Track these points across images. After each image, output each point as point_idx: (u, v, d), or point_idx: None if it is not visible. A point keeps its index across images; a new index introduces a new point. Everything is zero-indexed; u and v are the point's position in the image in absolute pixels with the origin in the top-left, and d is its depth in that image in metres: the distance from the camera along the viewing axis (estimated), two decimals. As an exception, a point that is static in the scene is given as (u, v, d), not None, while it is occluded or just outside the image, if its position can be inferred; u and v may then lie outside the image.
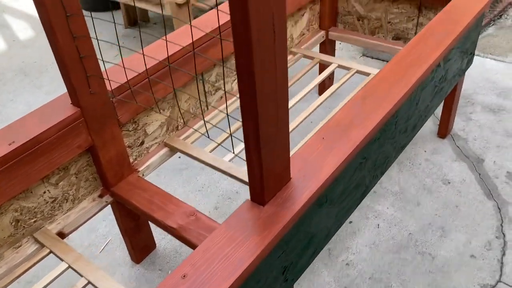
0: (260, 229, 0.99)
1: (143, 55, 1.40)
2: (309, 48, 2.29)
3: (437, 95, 1.80)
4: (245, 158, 0.97)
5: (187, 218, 1.44)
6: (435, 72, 1.66)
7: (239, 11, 0.76)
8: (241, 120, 0.90)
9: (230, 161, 1.63)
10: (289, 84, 1.98)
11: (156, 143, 1.71)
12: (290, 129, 1.74)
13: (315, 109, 1.85)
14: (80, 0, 1.25)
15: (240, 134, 1.66)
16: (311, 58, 2.14)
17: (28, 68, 3.13)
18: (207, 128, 1.79)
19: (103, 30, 3.42)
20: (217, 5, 0.97)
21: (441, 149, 2.23)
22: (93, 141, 1.42)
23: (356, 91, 1.85)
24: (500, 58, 2.84)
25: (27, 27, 3.67)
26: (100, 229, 2.00)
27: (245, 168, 1.58)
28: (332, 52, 2.47)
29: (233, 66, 1.91)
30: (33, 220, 1.40)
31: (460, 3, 1.77)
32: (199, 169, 2.23)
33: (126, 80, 1.45)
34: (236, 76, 1.94)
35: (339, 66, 2.07)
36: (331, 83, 2.61)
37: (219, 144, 1.70)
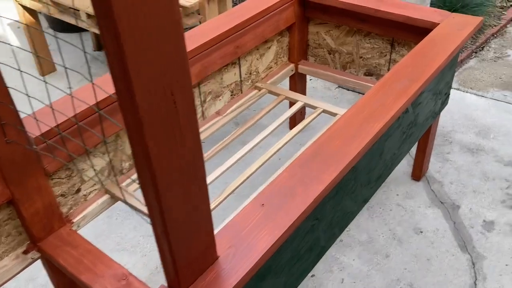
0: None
1: (72, 97, 1.25)
2: (277, 81, 2.15)
3: (406, 142, 1.66)
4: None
5: (117, 282, 1.27)
6: (402, 119, 1.53)
7: (121, 80, 0.61)
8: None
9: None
10: (256, 118, 1.84)
11: (95, 189, 1.55)
12: (256, 166, 1.59)
13: (283, 145, 1.71)
14: (51, 20, 1.10)
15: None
16: (277, 94, 2.00)
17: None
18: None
19: (70, 53, 3.28)
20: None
21: (414, 193, 2.08)
22: (12, 194, 1.26)
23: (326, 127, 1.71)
24: (480, 93, 2.72)
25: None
26: (39, 278, 1.82)
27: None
28: (303, 85, 2.34)
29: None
30: None
31: (434, 40, 1.64)
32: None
33: (56, 124, 1.29)
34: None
35: (306, 104, 1.93)
36: (302, 117, 2.47)
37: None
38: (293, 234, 1.11)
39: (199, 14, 2.95)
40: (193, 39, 1.67)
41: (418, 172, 2.12)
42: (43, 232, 1.38)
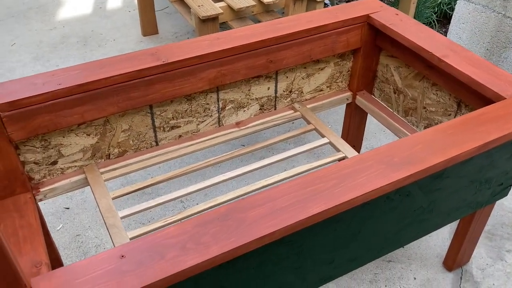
0: None
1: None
2: (326, 107, 1.92)
3: (411, 227, 1.35)
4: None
5: (30, 266, 1.26)
6: (400, 201, 1.23)
7: None
8: None
9: (123, 218, 1.40)
10: (269, 142, 1.68)
11: (75, 166, 1.55)
12: (229, 197, 1.45)
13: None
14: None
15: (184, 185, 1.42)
16: (308, 122, 1.78)
17: (92, 38, 3.19)
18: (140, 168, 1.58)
19: (181, 20, 3.36)
20: None
21: (437, 284, 1.72)
22: (-30, 151, 1.31)
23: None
24: None
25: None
26: None
27: (133, 234, 1.36)
28: (360, 119, 2.05)
29: (200, 106, 1.65)
30: None
31: (491, 114, 1.27)
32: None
33: (33, 95, 1.30)
34: (204, 118, 1.70)
35: (331, 144, 1.69)
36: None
37: (125, 194, 1.48)
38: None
39: (283, 13, 2.77)
40: (214, 43, 1.54)
41: (451, 262, 1.74)
42: (2, 192, 1.42)
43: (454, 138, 1.22)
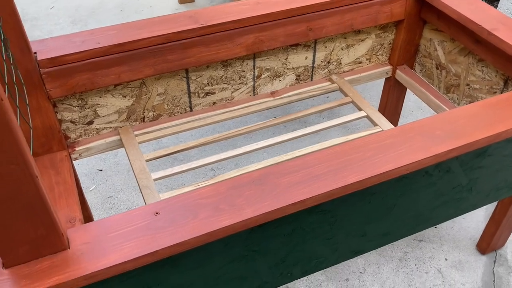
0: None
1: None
2: (364, 80, 1.87)
3: (447, 206, 1.31)
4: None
5: (66, 222, 1.29)
6: (440, 178, 1.19)
7: None
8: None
9: (157, 180, 1.41)
10: (303, 113, 1.64)
11: (110, 127, 1.56)
12: (261, 166, 1.44)
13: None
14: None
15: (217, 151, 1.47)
16: (345, 94, 1.74)
17: (129, 4, 3.19)
18: (173, 133, 1.58)
19: None
20: None
21: (468, 266, 1.68)
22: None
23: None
24: None
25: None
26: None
27: (165, 196, 1.37)
28: (398, 96, 1.99)
29: (235, 73, 1.63)
30: None
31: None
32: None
33: (71, 52, 1.30)
34: (239, 86, 1.68)
35: (368, 118, 1.65)
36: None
37: (158, 157, 1.49)
38: (193, 255, 0.96)
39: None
40: (254, 8, 1.51)
41: (485, 245, 1.69)
42: (40, 149, 1.45)
43: (500, 113, 1.16)
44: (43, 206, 0.76)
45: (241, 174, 1.43)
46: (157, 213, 0.90)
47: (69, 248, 0.85)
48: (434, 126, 1.13)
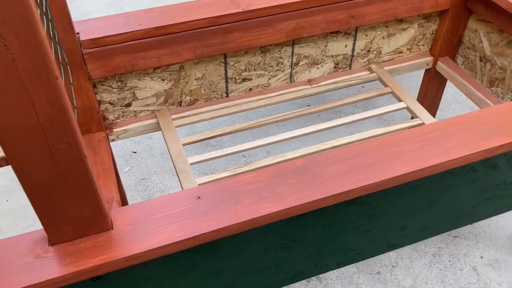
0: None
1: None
2: (403, 71, 1.82)
3: (490, 202, 1.27)
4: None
5: (104, 202, 1.30)
6: (484, 173, 1.15)
7: None
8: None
9: (193, 164, 1.41)
10: (340, 102, 1.61)
11: (148, 110, 1.57)
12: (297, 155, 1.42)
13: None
14: None
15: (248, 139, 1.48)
16: (385, 85, 1.70)
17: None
18: (206, 118, 1.58)
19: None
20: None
21: (506, 266, 1.64)
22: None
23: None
24: None
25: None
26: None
27: (201, 181, 1.37)
28: (438, 88, 1.94)
29: (273, 59, 1.61)
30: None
31: None
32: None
33: (109, 35, 1.31)
34: (276, 73, 1.66)
35: (408, 109, 1.61)
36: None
37: (195, 142, 1.49)
38: (231, 241, 0.96)
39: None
40: (296, -8, 1.48)
41: (524, 244, 1.65)
42: (81, 128, 1.47)
43: (554, 110, 1.11)
44: (91, 186, 0.76)
45: (277, 162, 1.42)
46: (199, 197, 0.90)
47: (112, 228, 0.85)
48: (482, 120, 1.09)
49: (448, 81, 1.86)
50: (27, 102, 0.62)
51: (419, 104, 1.59)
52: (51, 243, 0.82)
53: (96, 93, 1.45)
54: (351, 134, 1.71)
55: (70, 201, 0.76)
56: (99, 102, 1.47)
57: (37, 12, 0.57)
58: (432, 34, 1.80)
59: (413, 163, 0.96)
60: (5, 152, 0.67)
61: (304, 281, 1.59)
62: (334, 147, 1.47)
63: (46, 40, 0.59)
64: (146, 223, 0.86)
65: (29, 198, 0.73)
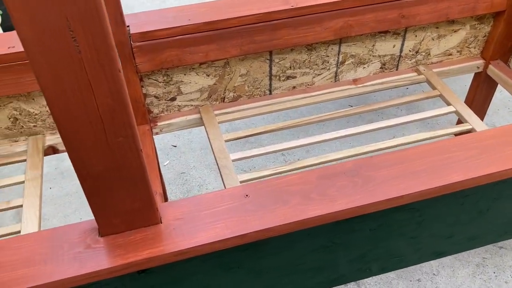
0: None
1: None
2: (452, 74, 1.77)
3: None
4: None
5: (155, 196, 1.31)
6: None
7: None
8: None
9: (235, 160, 1.41)
10: (384, 104, 1.58)
11: (192, 105, 1.57)
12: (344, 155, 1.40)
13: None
14: None
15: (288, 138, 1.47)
16: (433, 87, 1.65)
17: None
18: (249, 115, 1.57)
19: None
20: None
21: (554, 280, 1.57)
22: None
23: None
24: None
25: None
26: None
27: (242, 178, 1.36)
28: (487, 92, 1.87)
29: (319, 58, 1.59)
30: (32, 124, 1.45)
31: None
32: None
33: (157, 29, 1.31)
34: (321, 71, 1.64)
35: (457, 114, 1.55)
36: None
37: (238, 138, 1.48)
38: (276, 241, 0.95)
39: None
40: (346, -9, 1.45)
41: None
42: (125, 121, 1.48)
43: None
44: (144, 179, 0.76)
45: (318, 164, 1.40)
46: (247, 195, 0.89)
47: (161, 222, 0.85)
48: (542, 128, 1.04)
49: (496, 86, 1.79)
50: (89, 94, 0.63)
51: (469, 109, 1.54)
52: (101, 234, 0.83)
53: (142, 86, 1.47)
54: (393, 137, 1.67)
55: (123, 193, 0.76)
56: (145, 95, 1.49)
57: (104, 5, 0.57)
58: (485, 36, 1.74)
59: (468, 171, 0.93)
60: (63, 142, 0.67)
61: (342, 286, 1.57)
62: (379, 149, 1.44)
63: (111, 33, 0.59)
64: (195, 219, 0.86)
65: (83, 188, 0.74)
